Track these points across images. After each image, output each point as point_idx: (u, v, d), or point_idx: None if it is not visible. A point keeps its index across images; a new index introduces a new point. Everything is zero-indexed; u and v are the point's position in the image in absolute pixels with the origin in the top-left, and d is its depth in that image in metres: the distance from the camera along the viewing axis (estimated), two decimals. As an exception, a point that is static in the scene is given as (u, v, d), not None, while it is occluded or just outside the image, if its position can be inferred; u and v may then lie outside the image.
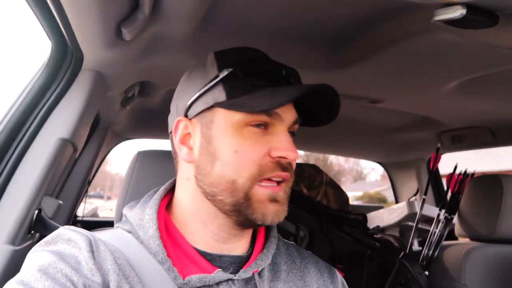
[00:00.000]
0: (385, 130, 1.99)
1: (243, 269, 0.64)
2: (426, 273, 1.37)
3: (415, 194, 2.31)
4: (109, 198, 22.01)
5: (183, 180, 0.67)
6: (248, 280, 0.65)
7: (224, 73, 0.62)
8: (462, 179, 1.51)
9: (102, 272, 0.55)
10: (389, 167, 2.54)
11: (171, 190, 0.71)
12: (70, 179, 1.71)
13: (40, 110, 0.91)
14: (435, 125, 1.78)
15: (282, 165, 0.61)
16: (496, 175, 1.37)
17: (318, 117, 0.71)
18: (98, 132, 1.73)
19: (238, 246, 0.68)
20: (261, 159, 0.61)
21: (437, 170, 2.28)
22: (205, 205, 0.64)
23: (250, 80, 0.63)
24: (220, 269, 0.62)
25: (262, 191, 0.61)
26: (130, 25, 0.78)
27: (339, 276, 0.79)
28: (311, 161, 18.32)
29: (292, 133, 0.66)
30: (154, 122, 1.89)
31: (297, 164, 1.54)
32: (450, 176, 1.56)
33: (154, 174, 0.94)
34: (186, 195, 0.67)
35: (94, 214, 4.03)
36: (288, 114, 0.64)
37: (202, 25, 0.93)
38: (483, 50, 0.97)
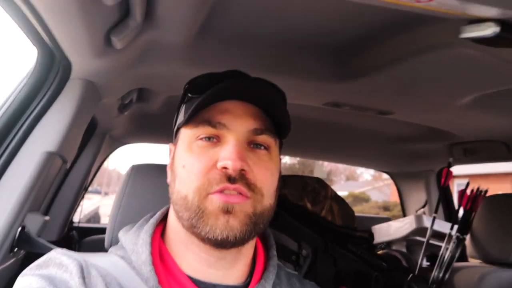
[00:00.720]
0: (394, 140, 1.92)
1: None
2: (436, 297, 1.30)
3: (423, 206, 2.23)
4: (106, 194, 22.22)
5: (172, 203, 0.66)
6: None
7: (186, 97, 0.65)
8: (474, 197, 1.43)
9: None
10: (397, 178, 2.46)
11: (167, 215, 0.68)
12: (65, 186, 1.66)
13: (25, 121, 0.85)
14: (446, 137, 1.71)
15: (230, 176, 0.57)
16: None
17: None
18: (95, 138, 1.68)
19: (232, 273, 0.64)
20: (208, 171, 0.58)
21: (447, 186, 2.20)
22: (181, 227, 0.62)
23: (191, 96, 0.64)
24: None
25: (214, 201, 0.57)
26: (120, 33, 0.72)
27: None
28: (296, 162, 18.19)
29: (257, 145, 0.62)
30: (153, 127, 1.84)
31: (301, 177, 1.48)
32: (462, 193, 1.48)
33: (148, 189, 0.89)
34: (171, 219, 0.66)
35: (96, 214, 3.99)
36: (239, 124, 0.60)
37: (199, 34, 0.88)
38: (502, 66, 0.90)
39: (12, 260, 0.93)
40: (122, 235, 0.67)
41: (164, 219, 0.68)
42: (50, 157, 0.88)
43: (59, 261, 0.57)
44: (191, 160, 0.60)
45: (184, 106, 0.65)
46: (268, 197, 0.61)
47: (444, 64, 0.93)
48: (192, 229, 0.58)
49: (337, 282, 1.24)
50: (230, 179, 0.57)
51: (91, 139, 1.69)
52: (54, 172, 0.96)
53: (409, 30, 0.84)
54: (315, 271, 1.24)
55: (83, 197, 1.88)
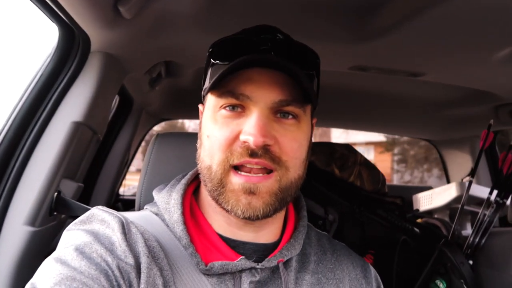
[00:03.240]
0: (433, 105, 1.82)
1: (267, 258, 0.62)
2: (470, 262, 1.24)
3: (469, 175, 2.12)
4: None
5: None
6: (274, 270, 0.63)
7: (211, 61, 0.62)
8: (518, 159, 1.34)
9: (134, 254, 0.56)
10: (440, 146, 2.34)
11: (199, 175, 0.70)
12: (108, 160, 1.77)
13: (53, 94, 0.92)
14: (489, 98, 1.59)
15: (251, 150, 0.56)
16: None
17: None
18: (133, 114, 1.76)
19: (264, 234, 0.65)
20: (231, 144, 0.58)
21: (493, 148, 2.07)
22: None
23: (215, 62, 0.61)
24: (243, 257, 0.61)
25: (236, 180, 0.57)
26: (127, 3, 0.75)
27: (373, 271, 0.75)
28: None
29: (284, 114, 0.59)
30: (187, 102, 1.88)
31: (329, 144, 1.47)
32: (504, 156, 1.39)
33: (172, 157, 0.93)
34: None
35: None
36: (263, 95, 0.58)
37: (210, 1, 0.88)
38: None
39: (53, 223, 1.02)
40: (155, 193, 0.69)
41: (196, 178, 0.69)
42: (78, 127, 0.94)
43: (102, 217, 0.60)
44: (215, 131, 0.59)
45: (210, 70, 0.63)
46: (295, 169, 0.59)
47: (472, 12, 0.86)
48: (215, 200, 0.60)
49: (365, 246, 1.24)
50: (252, 154, 0.56)
51: (129, 116, 1.77)
52: (85, 141, 1.03)
53: None
54: (342, 236, 1.24)
55: (126, 171, 1.99)
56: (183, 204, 0.63)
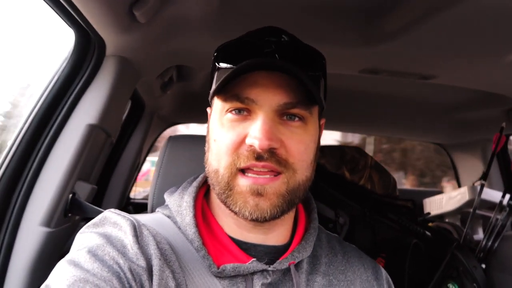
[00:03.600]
0: (444, 108, 1.81)
1: (279, 260, 0.63)
2: (483, 266, 1.23)
3: (480, 179, 2.09)
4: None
5: None
6: (285, 272, 0.63)
7: (216, 65, 0.62)
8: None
9: (146, 257, 0.56)
10: (451, 149, 2.32)
11: None
12: (120, 163, 1.79)
13: (69, 97, 0.94)
14: (502, 101, 1.58)
15: (257, 153, 0.56)
16: None
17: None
18: (145, 118, 1.78)
19: (274, 236, 0.66)
20: (237, 147, 0.58)
21: (505, 151, 2.05)
22: None
23: (221, 65, 0.61)
24: (255, 259, 0.61)
25: (243, 182, 0.58)
26: (142, 7, 0.77)
27: (384, 273, 0.74)
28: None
29: (290, 116, 0.59)
30: (198, 106, 1.90)
31: (339, 147, 1.47)
32: (517, 159, 1.38)
33: (185, 159, 0.94)
34: None
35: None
36: (268, 98, 0.58)
37: (221, 6, 0.89)
38: None
39: (67, 224, 1.04)
40: (167, 196, 0.70)
41: (207, 181, 0.69)
42: (93, 129, 0.96)
43: (114, 220, 0.60)
44: (221, 135, 0.59)
45: (216, 74, 0.63)
46: (302, 171, 0.60)
47: (483, 13, 0.86)
48: (224, 203, 0.61)
49: (376, 249, 1.23)
50: (259, 157, 0.56)
51: (141, 119, 1.79)
52: (99, 144, 1.05)
53: None
54: (353, 239, 1.24)
55: (137, 175, 2.01)
56: (195, 206, 0.64)
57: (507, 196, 1.34)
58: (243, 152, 0.58)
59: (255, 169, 0.57)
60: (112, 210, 0.63)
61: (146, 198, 2.53)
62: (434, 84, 1.43)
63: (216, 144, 0.60)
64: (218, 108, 0.61)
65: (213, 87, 0.62)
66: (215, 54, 0.64)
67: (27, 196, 0.91)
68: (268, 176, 0.58)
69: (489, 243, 1.26)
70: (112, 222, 0.60)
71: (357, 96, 1.72)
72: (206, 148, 0.64)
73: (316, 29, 1.09)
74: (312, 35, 1.13)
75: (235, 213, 0.59)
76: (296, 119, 0.59)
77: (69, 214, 1.01)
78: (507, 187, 1.37)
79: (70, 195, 0.98)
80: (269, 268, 0.61)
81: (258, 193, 0.57)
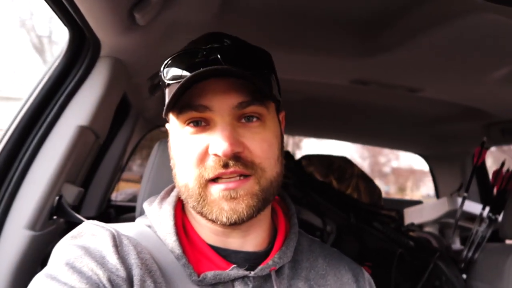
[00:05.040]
0: (427, 121, 1.86)
1: (260, 266, 0.62)
2: (464, 276, 1.27)
3: (458, 190, 2.16)
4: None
5: None
6: (266, 278, 0.63)
7: (166, 82, 0.61)
8: (510, 176, 1.38)
9: (126, 267, 0.55)
10: (431, 160, 2.39)
11: None
12: (102, 164, 1.75)
13: (60, 97, 0.91)
14: (482, 116, 1.64)
15: (223, 161, 0.56)
16: None
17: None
18: (129, 119, 1.75)
19: (253, 239, 0.65)
20: (202, 159, 0.58)
21: (483, 165, 2.12)
22: None
23: (173, 80, 0.60)
24: (235, 266, 0.61)
25: (214, 190, 0.58)
26: (142, 9, 0.76)
27: (366, 275, 0.74)
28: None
29: (248, 118, 0.59)
30: None
31: (327, 156, 1.48)
32: (497, 172, 1.43)
33: None
34: None
35: (134, 198, 4.15)
36: (221, 102, 0.58)
37: (220, 12, 0.89)
38: None
39: (52, 227, 1.00)
40: (146, 206, 0.69)
41: None
42: (83, 130, 0.93)
43: (92, 231, 0.59)
44: (184, 150, 0.59)
45: (167, 90, 0.62)
46: (271, 168, 0.60)
47: (470, 33, 0.89)
48: (200, 213, 0.60)
49: (361, 258, 1.25)
50: (225, 165, 0.56)
51: (126, 121, 1.76)
52: (88, 146, 1.02)
53: (431, 0, 0.82)
54: (339, 247, 1.25)
55: (120, 177, 1.97)
56: (175, 215, 0.64)
57: (487, 208, 1.39)
58: (209, 163, 0.57)
59: (224, 177, 0.57)
60: (91, 221, 0.62)
61: (129, 200, 2.48)
62: (420, 97, 1.47)
63: (180, 159, 0.60)
64: (175, 123, 0.61)
65: (166, 103, 0.61)
66: (162, 70, 0.62)
67: (12, 198, 0.87)
68: (238, 178, 0.58)
69: (470, 254, 1.30)
70: (91, 233, 0.59)
71: (342, 105, 1.74)
72: (171, 165, 0.64)
73: (313, 39, 1.10)
74: (308, 44, 1.14)
75: (213, 221, 0.59)
76: (254, 119, 0.59)
77: (54, 217, 0.98)
78: (486, 200, 1.41)
79: (57, 198, 0.95)
80: (250, 275, 0.61)
81: (231, 197, 0.57)
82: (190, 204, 0.60)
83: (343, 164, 1.42)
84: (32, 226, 0.89)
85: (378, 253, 1.25)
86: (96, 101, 0.95)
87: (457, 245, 1.94)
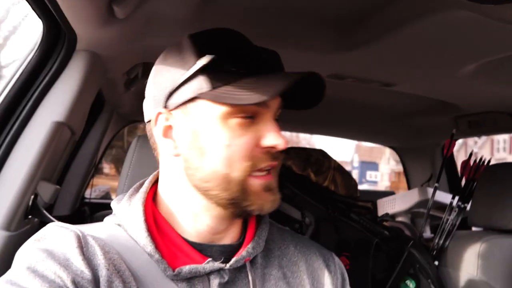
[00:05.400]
0: (399, 114, 1.92)
1: (234, 258, 0.63)
2: (436, 263, 1.32)
3: (428, 180, 2.24)
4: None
5: (169, 173, 0.65)
6: (241, 269, 0.64)
7: (203, 61, 0.57)
8: (477, 166, 1.44)
9: (92, 268, 0.55)
10: (403, 153, 2.47)
11: (156, 182, 0.69)
12: (76, 161, 1.70)
13: (34, 92, 0.88)
14: (451, 109, 1.71)
15: (272, 154, 0.60)
16: None
17: (302, 101, 0.67)
18: (103, 115, 1.71)
19: (228, 234, 0.67)
20: (252, 150, 0.60)
21: (452, 156, 2.20)
22: (197, 198, 0.63)
23: (231, 67, 0.59)
24: (211, 259, 0.61)
25: (256, 182, 0.60)
26: (122, 2, 0.74)
27: (337, 261, 0.76)
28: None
29: (276, 119, 0.64)
30: None
31: (304, 149, 1.50)
32: (465, 163, 1.49)
33: (155, 159, 0.92)
34: (174, 188, 0.65)
35: (107, 195, 4.07)
36: (274, 102, 0.62)
37: (200, 7, 0.89)
38: (502, 30, 0.89)
39: (27, 227, 0.97)
40: (114, 205, 0.68)
41: (154, 185, 0.69)
42: (58, 127, 0.91)
43: (56, 233, 0.58)
44: (235, 140, 0.58)
45: (203, 72, 0.58)
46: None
47: (441, 31, 0.93)
48: (233, 205, 0.61)
49: (339, 249, 1.28)
50: (273, 157, 0.60)
51: (100, 116, 1.72)
52: (64, 142, 1.00)
53: None
54: (318, 239, 1.27)
55: (93, 174, 1.93)
56: (144, 211, 0.63)
57: (456, 198, 1.45)
58: (258, 155, 0.60)
59: (267, 168, 0.61)
60: (56, 223, 0.61)
61: (102, 197, 2.43)
62: (393, 91, 1.51)
63: (229, 149, 0.58)
64: (220, 112, 0.58)
65: (203, 86, 0.58)
66: (221, 56, 0.58)
67: None
68: (269, 172, 0.62)
69: (441, 242, 1.36)
70: (55, 236, 0.58)
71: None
72: (194, 154, 0.60)
73: (291, 34, 1.11)
74: (285, 40, 1.15)
75: (249, 210, 0.61)
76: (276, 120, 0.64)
77: (29, 216, 0.95)
78: (456, 190, 1.48)
79: (32, 196, 0.92)
80: (226, 267, 0.62)
81: (269, 189, 0.61)
82: (221, 196, 0.60)
83: (320, 157, 1.44)
84: (7, 227, 0.86)
85: (355, 244, 1.28)
86: (72, 96, 0.92)
87: (427, 233, 2.02)
